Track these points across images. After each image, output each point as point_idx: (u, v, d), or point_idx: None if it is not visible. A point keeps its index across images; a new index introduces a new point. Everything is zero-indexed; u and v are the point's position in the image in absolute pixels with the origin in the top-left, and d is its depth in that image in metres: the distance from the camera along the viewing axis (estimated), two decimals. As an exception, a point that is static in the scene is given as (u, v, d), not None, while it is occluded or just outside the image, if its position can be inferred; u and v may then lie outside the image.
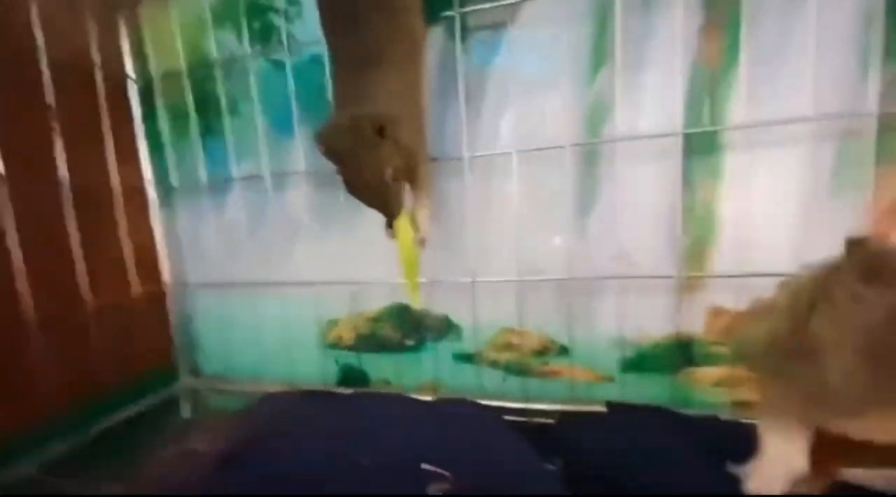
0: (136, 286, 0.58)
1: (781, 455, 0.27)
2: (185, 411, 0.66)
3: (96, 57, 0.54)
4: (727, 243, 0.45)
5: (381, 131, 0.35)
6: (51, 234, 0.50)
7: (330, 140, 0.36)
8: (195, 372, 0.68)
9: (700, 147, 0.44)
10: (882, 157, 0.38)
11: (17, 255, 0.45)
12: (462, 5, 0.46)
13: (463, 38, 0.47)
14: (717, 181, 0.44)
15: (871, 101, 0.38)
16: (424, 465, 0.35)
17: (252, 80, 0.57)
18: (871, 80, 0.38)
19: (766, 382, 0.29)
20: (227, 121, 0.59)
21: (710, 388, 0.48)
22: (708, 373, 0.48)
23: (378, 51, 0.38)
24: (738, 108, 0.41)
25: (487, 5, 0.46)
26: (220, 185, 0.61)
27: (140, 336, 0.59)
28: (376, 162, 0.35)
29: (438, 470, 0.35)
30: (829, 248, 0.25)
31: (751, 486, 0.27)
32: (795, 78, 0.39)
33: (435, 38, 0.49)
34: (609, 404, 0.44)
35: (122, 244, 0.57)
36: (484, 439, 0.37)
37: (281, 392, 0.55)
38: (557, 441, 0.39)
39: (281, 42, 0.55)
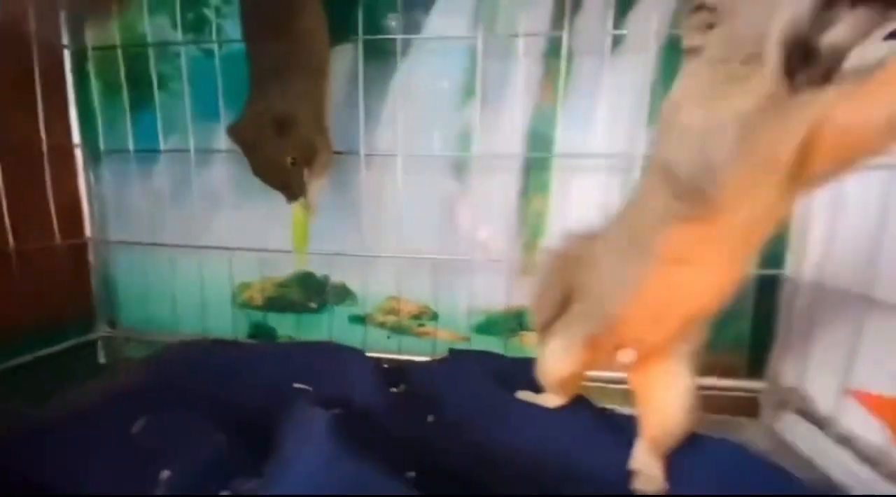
0: (58, 238, 0.64)
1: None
2: (100, 357, 0.72)
3: (33, 24, 0.59)
4: (553, 240, 0.60)
5: (280, 126, 0.45)
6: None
7: (238, 133, 0.46)
8: (112, 323, 0.74)
9: (535, 167, 0.58)
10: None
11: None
12: (366, 33, 0.57)
13: (366, 59, 0.58)
14: (546, 193, 0.59)
15: (643, 146, 0.54)
16: (296, 384, 0.47)
17: (183, 64, 0.64)
18: (643, 132, 0.54)
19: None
20: (157, 97, 0.66)
21: (534, 348, 0.64)
22: (532, 336, 0.63)
23: (285, 62, 0.48)
24: (561, 139, 0.56)
25: (385, 37, 0.58)
26: (146, 154, 0.67)
27: (60, 284, 0.65)
28: (275, 152, 0.46)
29: (305, 386, 0.46)
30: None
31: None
32: (597, 122, 0.55)
33: (345, 54, 0.59)
34: (450, 350, 0.58)
35: (47, 198, 0.62)
36: (347, 369, 0.49)
37: (194, 339, 0.64)
38: (406, 373, 0.52)
39: (211, 33, 0.63)
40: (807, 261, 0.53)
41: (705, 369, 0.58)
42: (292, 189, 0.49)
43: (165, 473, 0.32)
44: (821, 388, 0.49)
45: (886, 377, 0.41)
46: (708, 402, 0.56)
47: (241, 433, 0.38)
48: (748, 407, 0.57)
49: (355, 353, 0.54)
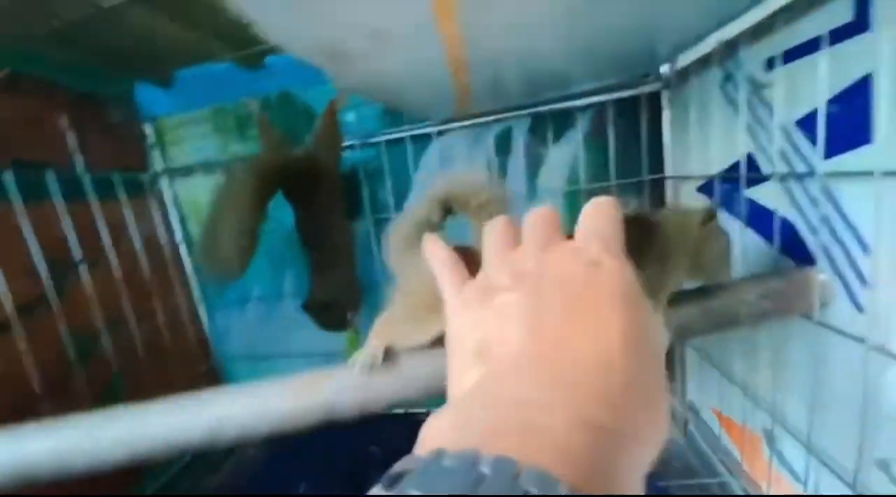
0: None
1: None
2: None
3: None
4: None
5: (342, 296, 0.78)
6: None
7: (310, 304, 0.79)
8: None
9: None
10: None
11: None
12: (372, 212, 0.88)
13: (374, 225, 0.89)
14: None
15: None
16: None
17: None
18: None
19: None
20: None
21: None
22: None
23: (330, 258, 0.80)
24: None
25: (390, 214, 0.88)
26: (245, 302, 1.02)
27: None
28: (335, 312, 0.78)
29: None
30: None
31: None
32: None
33: (360, 226, 0.90)
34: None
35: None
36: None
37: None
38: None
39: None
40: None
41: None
42: (343, 326, 0.82)
43: None
44: (700, 405, 0.76)
45: (720, 402, 0.68)
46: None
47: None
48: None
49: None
